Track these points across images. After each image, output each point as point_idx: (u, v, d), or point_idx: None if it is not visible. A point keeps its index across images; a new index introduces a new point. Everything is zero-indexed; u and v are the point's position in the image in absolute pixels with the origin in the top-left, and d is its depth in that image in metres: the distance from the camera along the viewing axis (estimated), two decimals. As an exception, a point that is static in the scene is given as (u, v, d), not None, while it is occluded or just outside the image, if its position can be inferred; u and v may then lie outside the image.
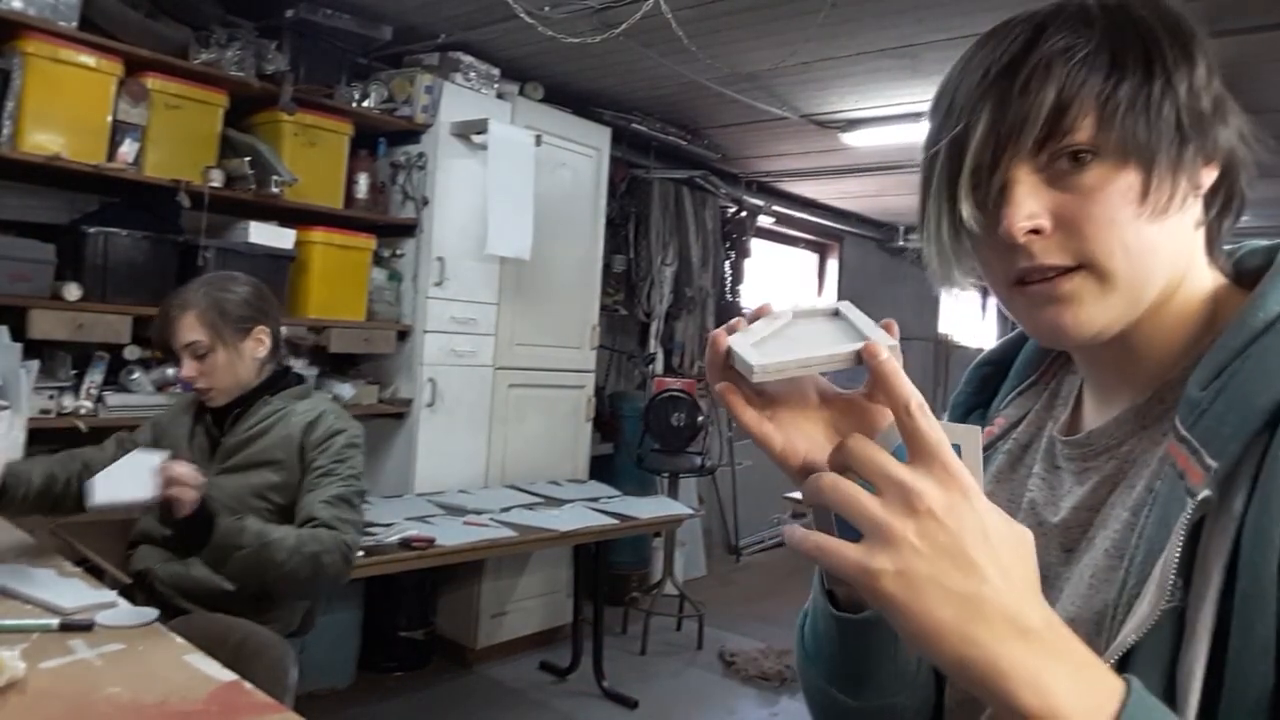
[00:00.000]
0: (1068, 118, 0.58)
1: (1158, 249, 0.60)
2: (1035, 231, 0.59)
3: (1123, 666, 0.54)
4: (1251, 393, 0.54)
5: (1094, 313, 0.60)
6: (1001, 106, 0.59)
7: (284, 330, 2.12)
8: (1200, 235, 0.64)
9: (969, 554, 0.46)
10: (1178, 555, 0.53)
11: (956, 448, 0.49)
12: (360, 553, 2.54)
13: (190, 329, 1.92)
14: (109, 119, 2.71)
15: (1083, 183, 0.59)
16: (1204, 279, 0.64)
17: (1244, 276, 0.64)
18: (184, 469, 1.61)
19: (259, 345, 2.00)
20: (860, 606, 0.65)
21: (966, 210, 0.62)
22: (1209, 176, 0.61)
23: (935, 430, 0.48)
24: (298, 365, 3.24)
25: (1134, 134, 0.58)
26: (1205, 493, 0.53)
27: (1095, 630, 0.58)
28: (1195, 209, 0.62)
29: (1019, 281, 0.61)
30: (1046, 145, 0.59)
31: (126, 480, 1.58)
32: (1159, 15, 0.60)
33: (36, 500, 1.94)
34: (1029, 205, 0.59)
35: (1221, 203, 0.63)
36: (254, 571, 1.73)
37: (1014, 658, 0.45)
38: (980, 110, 0.60)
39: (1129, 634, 0.54)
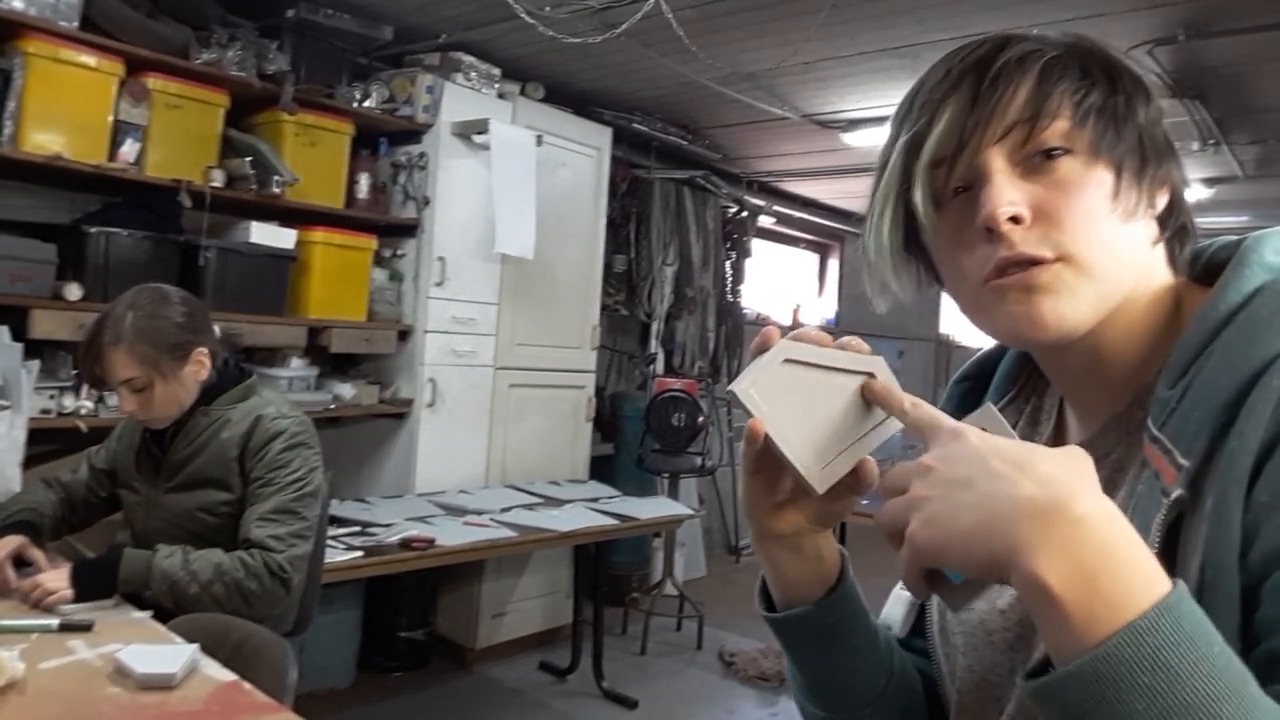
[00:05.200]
0: (1045, 113, 0.59)
1: (1127, 250, 0.61)
2: (1015, 220, 0.59)
3: None
4: (1214, 388, 0.54)
5: (1072, 304, 0.60)
6: (970, 100, 0.61)
7: (216, 329, 1.99)
8: (1160, 251, 0.64)
9: (968, 474, 0.49)
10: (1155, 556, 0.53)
11: (984, 429, 0.54)
12: (359, 555, 2.56)
13: (124, 366, 1.79)
14: (110, 119, 2.71)
15: (1057, 176, 0.60)
16: (1166, 283, 0.65)
17: (1212, 270, 0.64)
18: (39, 590, 1.62)
19: (200, 368, 1.88)
20: (790, 606, 0.70)
21: (919, 198, 0.62)
22: (1162, 199, 0.63)
23: (930, 413, 0.55)
24: (297, 365, 3.24)
25: (1105, 137, 0.60)
26: (1178, 492, 0.53)
27: None
28: (1152, 228, 0.63)
29: (994, 276, 0.61)
30: (1024, 140, 0.60)
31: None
32: (1111, 52, 0.63)
33: (52, 535, 1.98)
34: (1010, 193, 0.59)
35: (1175, 228, 0.65)
36: (173, 603, 1.71)
37: (1028, 539, 0.46)
38: (944, 106, 0.61)
39: None
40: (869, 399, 0.60)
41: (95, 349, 1.80)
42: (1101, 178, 0.60)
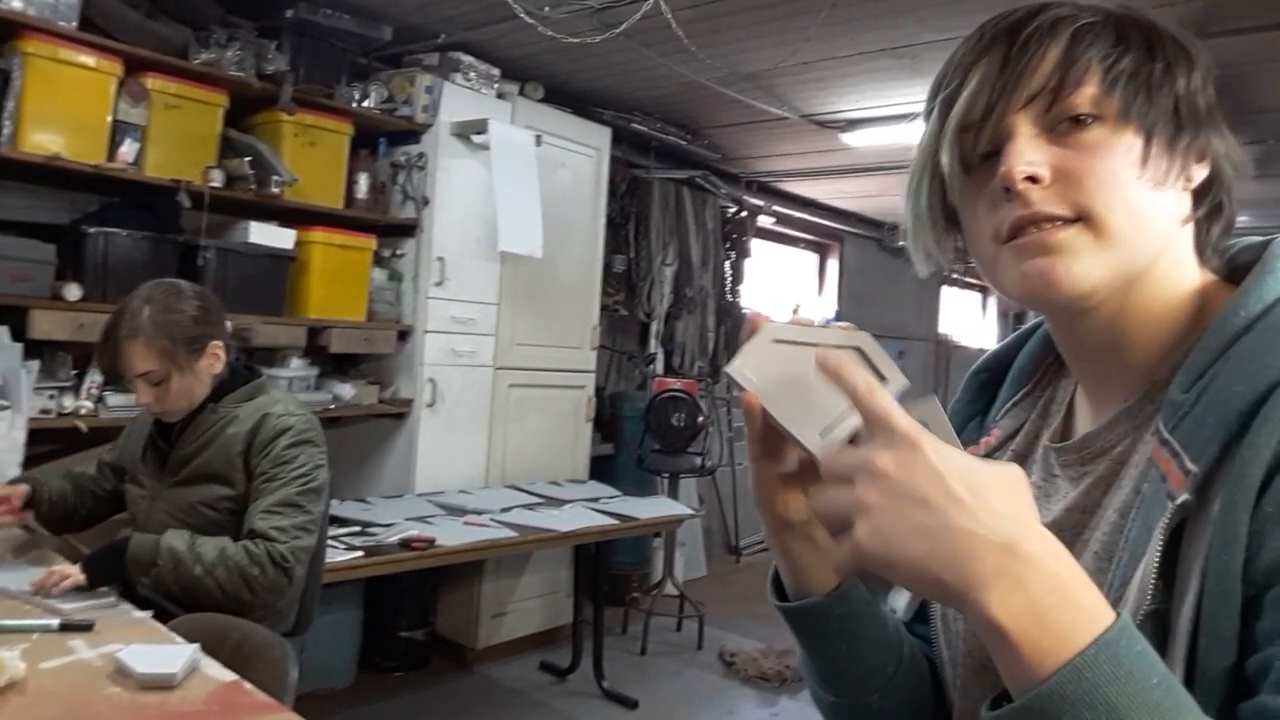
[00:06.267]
0: (1070, 78, 0.59)
1: (1153, 218, 0.60)
2: (1033, 180, 0.59)
3: None
4: (1230, 395, 0.54)
5: (1086, 266, 0.59)
6: (1000, 62, 0.60)
7: (228, 325, 2.02)
8: (1188, 232, 0.63)
9: (925, 494, 0.49)
10: (1157, 559, 0.53)
11: (924, 423, 0.52)
12: (359, 555, 2.56)
13: (142, 359, 1.82)
14: (109, 119, 2.70)
15: (1084, 140, 0.59)
16: (1192, 274, 0.64)
17: (1236, 273, 0.63)
18: (53, 576, 1.67)
19: (215, 361, 1.91)
20: (802, 596, 0.70)
21: (946, 159, 0.62)
22: (1199, 173, 0.62)
23: (883, 403, 0.52)
24: (296, 365, 3.24)
25: (1135, 103, 0.59)
26: (1184, 497, 0.53)
27: None
28: (1184, 202, 0.62)
29: (1010, 237, 0.61)
30: (1050, 105, 0.59)
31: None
32: (1159, 21, 0.62)
33: (49, 513, 2.05)
34: (1029, 153, 0.59)
35: (1210, 207, 0.63)
36: (175, 585, 1.73)
37: (982, 576, 0.47)
38: (974, 71, 0.61)
39: None
40: (825, 371, 0.56)
41: (112, 342, 1.83)
42: (1129, 143, 0.59)
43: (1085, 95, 0.59)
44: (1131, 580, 0.55)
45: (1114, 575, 0.57)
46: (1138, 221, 0.59)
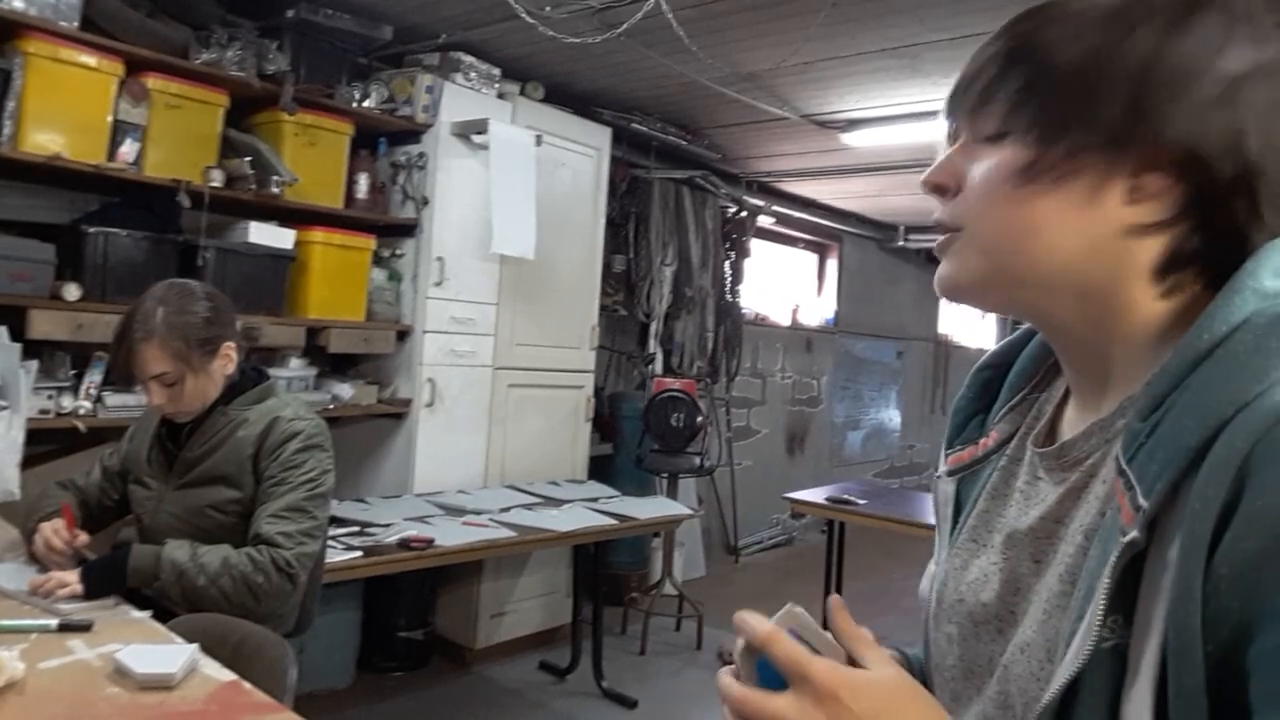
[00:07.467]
0: (986, 96, 0.63)
1: (1028, 228, 0.60)
2: (940, 189, 0.65)
3: (1066, 701, 0.53)
4: (1180, 429, 0.51)
5: (955, 269, 0.65)
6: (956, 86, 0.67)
7: (238, 324, 2.02)
8: (1146, 248, 0.58)
9: None
10: (1104, 598, 0.51)
11: (795, 632, 0.59)
12: (358, 555, 2.56)
13: (156, 361, 1.81)
14: (109, 119, 2.70)
15: (989, 153, 0.63)
16: (1176, 286, 0.59)
17: (1219, 280, 0.57)
18: (51, 582, 1.66)
19: (228, 362, 1.91)
20: None
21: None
22: (1155, 181, 0.57)
23: (791, 654, 0.57)
24: (296, 365, 3.24)
25: (1023, 116, 0.61)
26: (1133, 534, 0.51)
27: (1047, 657, 0.58)
28: (1134, 214, 0.57)
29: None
30: (973, 120, 0.64)
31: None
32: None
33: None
34: (940, 165, 0.65)
35: (1200, 216, 0.56)
36: (180, 595, 1.72)
37: None
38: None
39: (1063, 671, 0.53)
40: (736, 623, 0.63)
41: (126, 345, 1.82)
42: (1022, 156, 0.60)
43: (995, 113, 0.62)
44: (1087, 613, 0.53)
45: (1075, 604, 0.56)
46: (1004, 231, 0.62)
